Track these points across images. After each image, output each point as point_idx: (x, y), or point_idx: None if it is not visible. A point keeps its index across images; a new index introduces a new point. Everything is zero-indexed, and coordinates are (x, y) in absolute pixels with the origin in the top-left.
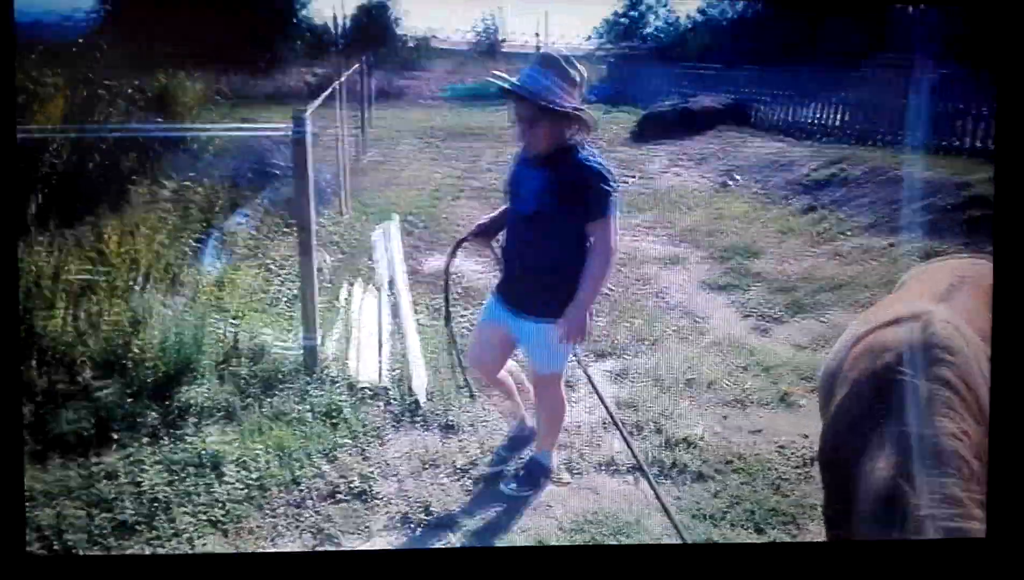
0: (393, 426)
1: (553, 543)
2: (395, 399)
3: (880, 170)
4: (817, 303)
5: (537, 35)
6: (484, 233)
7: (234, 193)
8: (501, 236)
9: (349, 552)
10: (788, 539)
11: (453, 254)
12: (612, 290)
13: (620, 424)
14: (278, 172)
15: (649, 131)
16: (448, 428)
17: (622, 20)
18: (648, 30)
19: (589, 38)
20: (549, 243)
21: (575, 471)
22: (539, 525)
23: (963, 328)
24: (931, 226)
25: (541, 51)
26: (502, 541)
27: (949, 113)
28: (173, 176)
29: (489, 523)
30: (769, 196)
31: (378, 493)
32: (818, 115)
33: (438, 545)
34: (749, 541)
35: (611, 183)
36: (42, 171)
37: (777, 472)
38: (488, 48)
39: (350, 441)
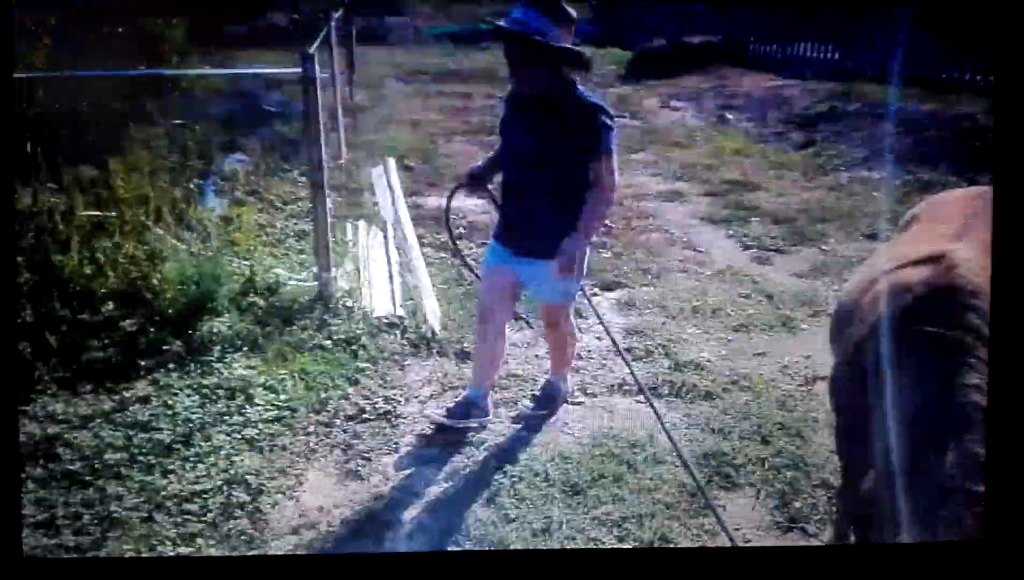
0: (411, 353)
1: (572, 457)
2: (411, 328)
3: (874, 105)
4: (817, 233)
5: None
6: (479, 177)
7: (228, 134)
8: (497, 180)
9: (360, 556)
10: (794, 450)
11: (450, 200)
12: (614, 225)
13: (624, 351)
14: (273, 111)
15: (642, 68)
16: (464, 355)
17: None
18: None
19: None
20: (550, 182)
21: (589, 392)
22: (558, 440)
23: (986, 268)
24: (927, 158)
25: None
26: (524, 454)
27: (942, 48)
28: (160, 120)
29: (511, 439)
30: (765, 132)
31: (402, 414)
32: (812, 52)
33: (462, 459)
34: (757, 454)
35: (611, 119)
36: (37, 113)
37: (781, 390)
38: None
39: (371, 366)
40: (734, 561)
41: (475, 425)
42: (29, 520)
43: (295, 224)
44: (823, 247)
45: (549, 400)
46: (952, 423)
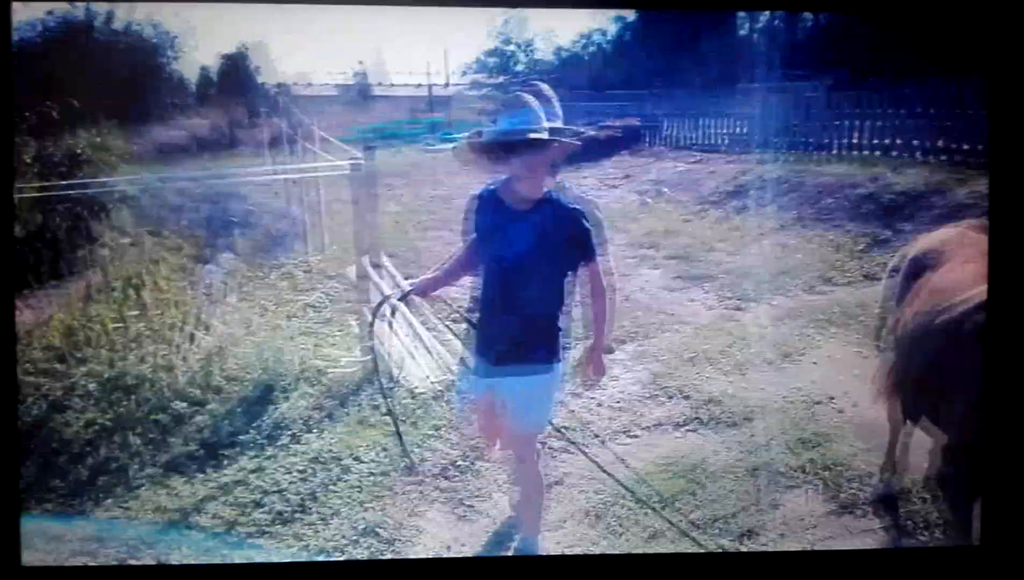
0: (465, 417)
1: (647, 479)
2: (456, 397)
3: (781, 178)
4: (778, 285)
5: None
6: (425, 291)
7: (193, 243)
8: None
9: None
10: (821, 457)
11: (375, 315)
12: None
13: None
14: (235, 221)
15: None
16: None
17: (507, 50)
18: (529, 59)
19: (464, 73)
20: (537, 290)
21: (638, 430)
22: (629, 468)
23: None
24: (835, 220)
25: (528, 84)
26: (602, 483)
27: (830, 121)
28: (111, 231)
29: (585, 476)
30: (703, 203)
31: (480, 468)
32: (710, 133)
33: (550, 497)
34: (795, 462)
35: (593, 219)
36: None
37: (791, 414)
38: (362, 90)
39: (434, 432)
40: (743, 565)
41: None
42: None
43: (297, 320)
44: (787, 295)
45: None
46: None
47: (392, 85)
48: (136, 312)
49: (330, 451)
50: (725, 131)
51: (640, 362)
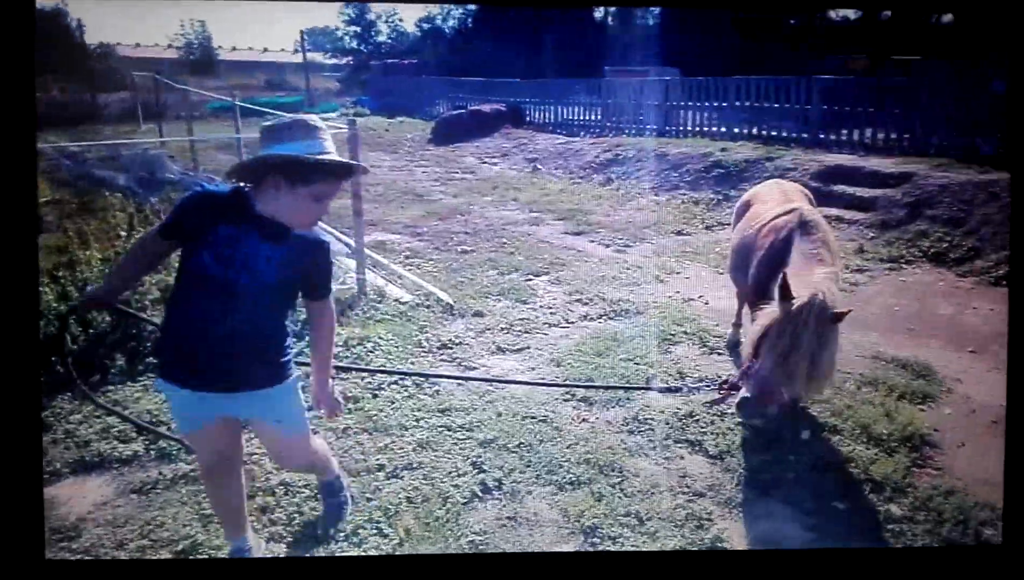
0: (442, 319)
1: (582, 348)
2: (432, 305)
3: (645, 150)
4: (644, 235)
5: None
6: (104, 300)
7: (138, 201)
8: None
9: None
10: (692, 327)
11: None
12: (521, 240)
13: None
14: (173, 179)
15: (446, 133)
16: (478, 314)
17: (350, 30)
18: (379, 40)
19: (324, 51)
20: (265, 315)
21: (568, 321)
22: (576, 338)
23: (818, 212)
24: (691, 184)
25: (302, 118)
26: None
27: (679, 106)
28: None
29: (539, 345)
30: (572, 176)
31: (471, 343)
32: (582, 114)
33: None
34: (676, 330)
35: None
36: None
37: (675, 307)
38: (203, 59)
39: (428, 325)
40: (760, 563)
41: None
42: None
43: None
44: (651, 242)
45: (336, 504)
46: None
47: (234, 49)
48: None
49: (356, 335)
50: (583, 116)
51: (561, 282)
